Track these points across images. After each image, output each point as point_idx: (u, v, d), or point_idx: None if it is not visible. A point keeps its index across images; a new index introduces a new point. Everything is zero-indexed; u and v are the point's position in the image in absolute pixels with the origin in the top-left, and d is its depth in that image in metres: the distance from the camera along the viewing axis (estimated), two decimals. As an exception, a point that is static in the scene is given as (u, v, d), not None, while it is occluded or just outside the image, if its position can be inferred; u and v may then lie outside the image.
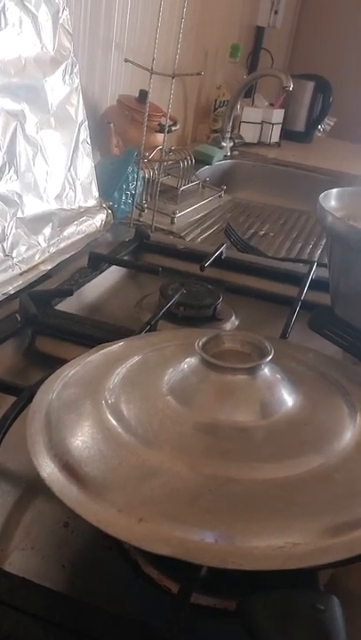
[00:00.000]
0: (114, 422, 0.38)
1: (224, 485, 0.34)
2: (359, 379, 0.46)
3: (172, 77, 0.99)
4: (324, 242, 1.17)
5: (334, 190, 0.69)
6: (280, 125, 1.95)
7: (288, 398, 0.40)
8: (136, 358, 0.46)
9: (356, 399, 0.41)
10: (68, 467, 0.35)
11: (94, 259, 0.78)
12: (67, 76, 0.86)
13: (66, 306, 0.69)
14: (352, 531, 0.31)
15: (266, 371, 0.39)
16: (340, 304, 0.68)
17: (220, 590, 0.37)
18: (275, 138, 1.93)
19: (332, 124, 2.32)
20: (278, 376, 0.40)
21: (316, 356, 0.50)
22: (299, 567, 0.29)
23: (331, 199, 0.68)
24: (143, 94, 1.15)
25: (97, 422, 0.38)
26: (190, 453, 0.36)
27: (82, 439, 0.37)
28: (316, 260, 1.00)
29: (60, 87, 0.85)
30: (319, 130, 2.25)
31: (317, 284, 0.77)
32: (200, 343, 0.40)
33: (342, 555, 0.30)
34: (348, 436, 0.37)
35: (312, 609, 0.27)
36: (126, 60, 1.03)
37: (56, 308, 0.67)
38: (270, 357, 0.39)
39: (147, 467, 0.35)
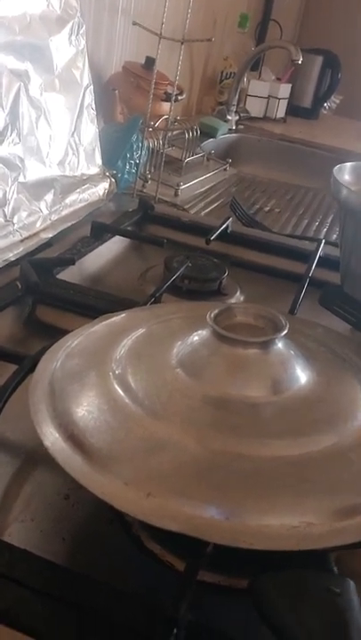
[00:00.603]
0: (121, 393, 0.36)
1: (234, 461, 0.33)
2: (372, 357, 0.45)
3: (182, 43, 0.95)
4: (330, 219, 1.15)
5: (348, 164, 0.67)
6: (287, 100, 1.91)
7: (301, 375, 0.38)
8: (142, 330, 0.45)
9: (371, 377, 0.40)
10: (74, 437, 0.34)
11: (97, 228, 0.76)
12: (73, 37, 0.83)
13: (67, 275, 0.67)
14: None
15: (279, 345, 0.38)
16: (350, 282, 0.66)
17: (226, 567, 0.36)
18: (281, 113, 1.90)
19: (338, 101, 2.28)
20: (292, 352, 0.38)
21: (327, 333, 0.49)
22: (313, 548, 0.28)
23: (345, 173, 0.66)
24: (150, 61, 1.11)
25: (103, 393, 0.37)
26: (199, 427, 0.35)
27: (87, 409, 0.35)
28: (322, 237, 0.98)
29: (65, 48, 0.82)
30: (325, 107, 2.21)
31: (325, 262, 0.76)
32: (212, 315, 0.39)
33: (358, 536, 0.29)
34: (362, 416, 0.36)
35: (327, 591, 0.26)
36: (134, 23, 0.99)
37: (58, 277, 0.65)
38: (285, 332, 0.37)
39: (155, 439, 0.34)
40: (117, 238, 0.78)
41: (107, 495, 0.31)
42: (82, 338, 0.45)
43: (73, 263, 0.67)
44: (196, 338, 0.39)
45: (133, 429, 0.34)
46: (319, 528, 0.29)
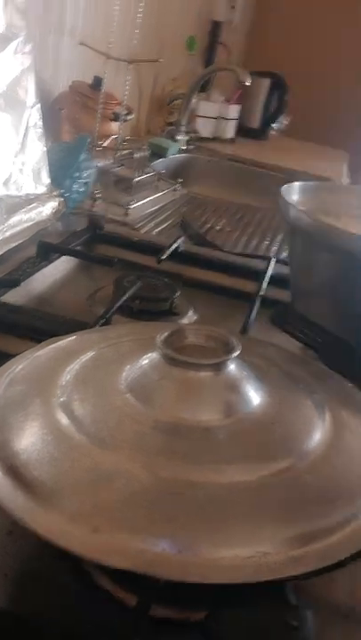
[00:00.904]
0: (66, 422, 0.34)
1: (186, 490, 0.32)
2: (324, 376, 0.45)
3: (129, 63, 0.95)
4: (280, 238, 1.16)
5: (296, 184, 0.68)
6: (236, 121, 1.94)
7: (254, 396, 0.37)
8: (90, 353, 0.43)
9: (323, 397, 0.39)
10: (14, 470, 0.31)
11: (44, 248, 0.74)
12: (18, 55, 0.81)
13: (12, 297, 0.65)
14: (325, 538, 0.29)
15: (232, 367, 0.37)
16: (301, 300, 0.66)
17: (180, 601, 0.34)
18: (230, 134, 1.93)
19: (286, 122, 2.34)
20: (244, 373, 0.38)
21: (279, 352, 0.48)
22: (269, 579, 0.27)
23: (293, 193, 0.67)
24: (98, 81, 1.11)
25: (47, 422, 0.35)
26: (149, 455, 0.33)
27: (30, 440, 0.33)
28: (272, 256, 0.99)
29: (10, 66, 0.80)
30: (273, 128, 2.26)
31: (276, 280, 0.76)
32: (162, 337, 0.37)
33: (315, 564, 0.28)
34: (317, 436, 0.35)
35: (284, 626, 0.25)
36: (81, 44, 0.98)
37: (1, 298, 0.63)
38: (237, 353, 0.37)
39: (102, 470, 0.32)
40: (65, 258, 0.77)
41: (50, 533, 0.29)
42: (26, 363, 0.43)
43: (18, 285, 0.65)
44: (145, 361, 0.38)
45: (79, 460, 0.32)
46: (275, 557, 0.28)
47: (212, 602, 0.29)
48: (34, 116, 0.85)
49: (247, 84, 1.48)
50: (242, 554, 0.28)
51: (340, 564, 0.28)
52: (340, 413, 0.39)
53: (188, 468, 0.33)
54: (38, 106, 0.86)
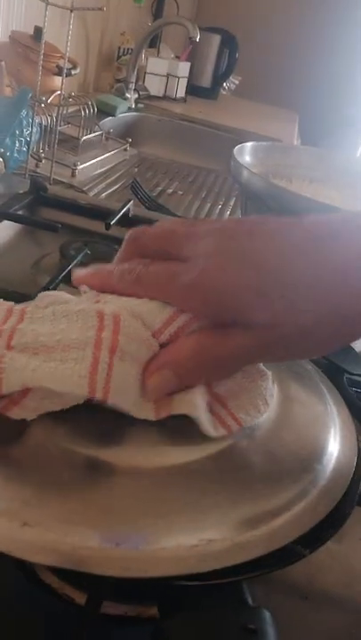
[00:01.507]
0: None
1: (125, 475, 0.29)
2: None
3: (71, 11, 0.88)
4: (233, 202, 1.13)
5: (248, 144, 0.65)
6: (186, 80, 1.88)
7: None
8: None
9: (271, 369, 0.37)
10: None
11: (-17, 212, 0.69)
12: None
13: None
14: (272, 521, 0.27)
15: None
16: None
17: (132, 596, 0.32)
18: (180, 92, 1.86)
19: (237, 82, 2.28)
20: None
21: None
22: (216, 567, 0.25)
23: (245, 154, 0.63)
24: (38, 30, 1.03)
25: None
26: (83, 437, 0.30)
27: None
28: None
29: None
30: (224, 88, 2.21)
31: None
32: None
33: (263, 549, 0.26)
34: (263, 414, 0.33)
35: (241, 629, 0.23)
36: (18, -13, 0.90)
37: None
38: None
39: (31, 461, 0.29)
40: (6, 223, 0.71)
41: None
42: None
43: None
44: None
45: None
46: (220, 544, 0.25)
47: (162, 599, 0.27)
48: (-33, 67, 0.78)
49: (197, 39, 1.42)
50: (185, 543, 0.26)
51: (300, 556, 0.27)
52: (290, 386, 0.37)
53: (125, 452, 0.30)
54: (-28, 56, 0.79)
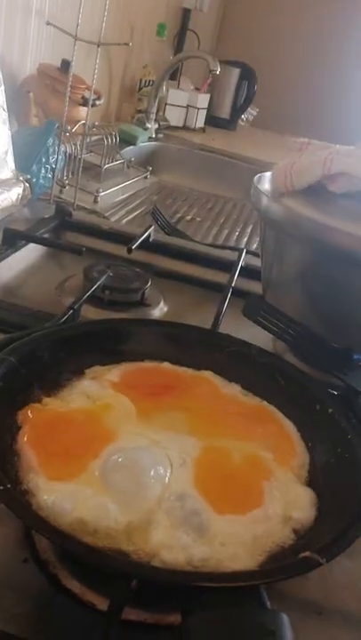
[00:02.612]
0: None
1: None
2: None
3: (98, 46, 0.92)
4: (250, 229, 1.16)
5: (268, 173, 0.67)
6: (205, 110, 1.93)
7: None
8: None
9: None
10: None
11: (10, 235, 0.71)
12: (-18, 34, 0.78)
13: (-23, 286, 0.62)
14: None
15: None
16: (272, 291, 0.66)
17: (152, 603, 0.33)
18: (200, 123, 1.91)
19: (255, 113, 2.33)
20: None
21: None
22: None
23: (265, 182, 0.65)
24: (66, 64, 1.08)
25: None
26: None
27: None
28: (243, 247, 0.98)
29: (-27, 45, 0.77)
30: (242, 119, 2.25)
31: (247, 272, 0.75)
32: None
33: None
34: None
35: (260, 630, 0.24)
36: (48, 24, 0.95)
37: (-34, 288, 0.61)
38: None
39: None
40: (32, 246, 0.74)
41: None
42: None
43: (-17, 273, 0.62)
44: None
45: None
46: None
47: (185, 603, 0.28)
48: (-1, 98, 0.82)
49: (217, 72, 1.46)
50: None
51: (316, 564, 0.28)
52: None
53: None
54: (2, 88, 0.82)
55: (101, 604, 0.33)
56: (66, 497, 0.31)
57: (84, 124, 1.04)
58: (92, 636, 0.32)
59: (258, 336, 0.60)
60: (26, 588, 0.34)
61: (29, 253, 0.74)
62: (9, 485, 0.29)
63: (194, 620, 0.25)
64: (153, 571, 0.28)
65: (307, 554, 0.28)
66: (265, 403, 0.44)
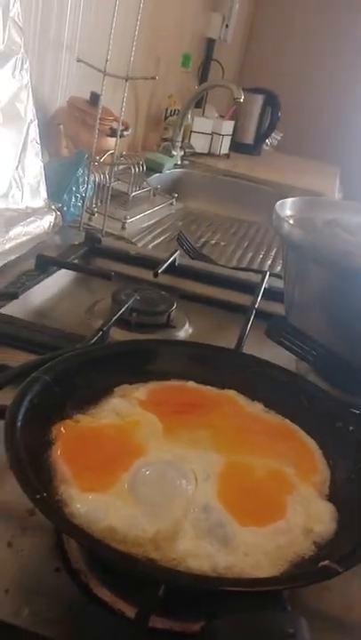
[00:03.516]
0: None
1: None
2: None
3: (126, 80, 0.97)
4: (274, 252, 1.18)
5: (289, 199, 0.69)
6: (230, 137, 1.97)
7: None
8: None
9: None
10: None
11: (42, 261, 0.75)
12: (16, 72, 0.83)
13: (11, 309, 0.65)
14: None
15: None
16: (295, 313, 0.67)
17: (178, 612, 0.35)
18: (224, 149, 1.95)
19: (279, 138, 2.37)
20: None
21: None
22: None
23: (286, 208, 0.68)
24: (95, 97, 1.12)
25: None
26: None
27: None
28: (267, 269, 1.00)
29: (8, 82, 0.81)
30: (266, 144, 2.29)
31: (270, 294, 0.77)
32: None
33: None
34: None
35: (281, 633, 0.25)
36: (79, 60, 1.00)
37: (1, 311, 0.64)
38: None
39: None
40: (63, 272, 0.77)
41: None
42: None
43: (16, 297, 0.65)
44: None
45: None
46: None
47: (209, 611, 0.29)
48: (32, 131, 0.86)
49: (240, 100, 1.50)
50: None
51: (335, 573, 0.29)
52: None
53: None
54: (36, 122, 0.87)
55: (130, 612, 0.34)
56: (98, 507, 0.33)
57: (112, 153, 1.08)
58: (121, 642, 0.33)
59: (280, 356, 0.62)
60: (57, 595, 0.36)
61: (60, 279, 0.77)
62: (45, 494, 0.31)
63: (218, 622, 0.26)
64: (181, 575, 0.30)
65: (326, 563, 0.29)
66: (287, 421, 0.45)
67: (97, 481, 0.35)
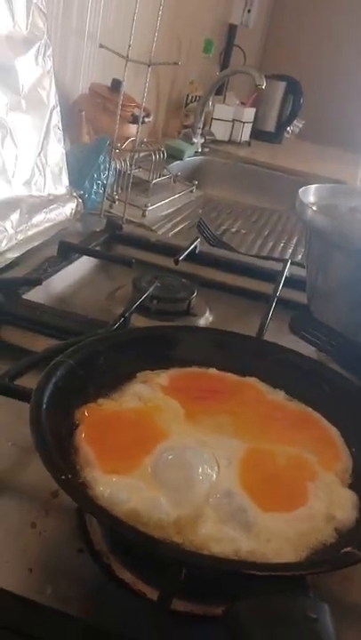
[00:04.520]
0: None
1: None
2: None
3: (148, 66, 0.96)
4: (295, 241, 1.17)
5: (313, 186, 0.68)
6: (251, 124, 1.95)
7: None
8: None
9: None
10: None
11: (64, 248, 0.75)
12: (39, 58, 0.83)
13: (34, 295, 0.66)
14: None
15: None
16: (317, 301, 0.67)
17: (200, 595, 0.35)
18: (245, 137, 1.93)
19: (300, 125, 2.34)
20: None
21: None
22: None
23: (310, 195, 0.67)
24: (117, 83, 1.12)
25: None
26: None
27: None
28: (288, 258, 0.99)
29: (32, 68, 0.81)
30: (288, 131, 2.26)
31: (291, 282, 0.76)
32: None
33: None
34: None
35: (304, 617, 0.25)
36: (101, 46, 0.99)
37: (24, 297, 0.64)
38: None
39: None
40: (85, 258, 0.78)
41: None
42: None
43: (40, 283, 0.66)
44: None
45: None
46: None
47: (231, 594, 0.30)
48: (54, 117, 0.86)
49: (263, 86, 1.48)
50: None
51: (358, 559, 0.29)
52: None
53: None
54: (58, 108, 0.87)
55: (151, 593, 0.35)
56: (121, 489, 0.34)
57: (133, 140, 1.08)
58: (140, 623, 0.34)
59: (302, 344, 0.62)
60: (80, 575, 0.37)
61: (82, 265, 0.77)
62: (70, 476, 0.31)
63: (241, 605, 0.27)
64: (204, 558, 0.30)
65: (348, 549, 0.29)
66: (309, 409, 0.45)
67: (120, 464, 0.35)
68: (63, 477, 0.31)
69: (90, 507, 0.30)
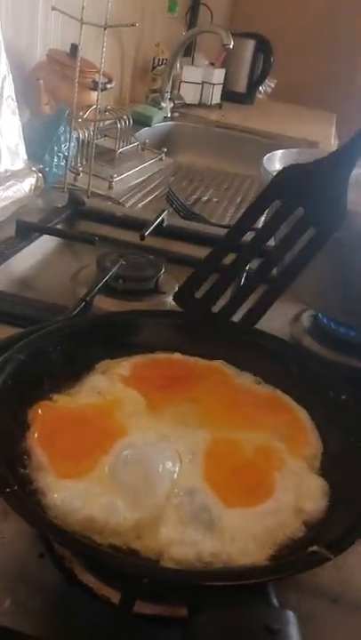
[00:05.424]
0: None
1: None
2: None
3: (105, 29, 0.91)
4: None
5: (279, 152, 0.65)
6: (221, 86, 1.89)
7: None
8: None
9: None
10: None
11: (23, 227, 0.72)
12: (-14, 24, 0.77)
13: (-8, 281, 0.63)
14: None
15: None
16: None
17: (165, 597, 0.33)
18: (216, 99, 1.87)
19: (272, 85, 2.28)
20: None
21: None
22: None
23: (275, 161, 0.64)
24: (74, 48, 1.06)
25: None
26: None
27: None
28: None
29: (-22, 36, 0.76)
30: (260, 91, 2.21)
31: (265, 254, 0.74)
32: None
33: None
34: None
35: (265, 629, 0.24)
36: (54, 9, 0.94)
37: (-20, 283, 0.61)
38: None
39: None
40: (46, 237, 0.74)
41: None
42: None
43: (-3, 267, 0.63)
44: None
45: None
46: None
47: (193, 599, 0.28)
48: (6, 88, 0.81)
49: (230, 46, 1.43)
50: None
51: (325, 559, 0.27)
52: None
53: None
54: (10, 78, 0.82)
55: (115, 597, 0.33)
56: (75, 495, 0.32)
57: (95, 108, 1.03)
58: (106, 630, 0.32)
59: (274, 322, 0.59)
60: (41, 582, 0.35)
61: (43, 244, 0.74)
62: (16, 487, 0.29)
63: (200, 619, 0.25)
64: (158, 571, 0.28)
65: (315, 548, 0.28)
66: (278, 391, 0.43)
67: (75, 466, 0.33)
68: (8, 490, 0.29)
69: (37, 524, 0.28)
